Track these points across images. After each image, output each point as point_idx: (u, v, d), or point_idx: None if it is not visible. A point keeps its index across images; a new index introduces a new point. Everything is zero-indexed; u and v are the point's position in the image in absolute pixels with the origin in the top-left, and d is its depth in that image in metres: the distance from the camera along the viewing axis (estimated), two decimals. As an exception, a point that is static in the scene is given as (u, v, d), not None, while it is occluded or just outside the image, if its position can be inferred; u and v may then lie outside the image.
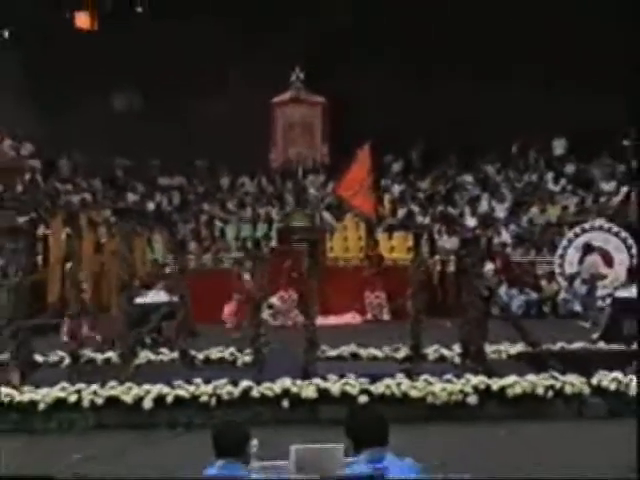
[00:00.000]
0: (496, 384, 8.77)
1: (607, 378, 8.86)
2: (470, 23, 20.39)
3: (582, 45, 19.25)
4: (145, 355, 10.96)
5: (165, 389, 8.72)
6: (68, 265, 11.27)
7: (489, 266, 15.95)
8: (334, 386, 8.70)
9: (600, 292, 15.62)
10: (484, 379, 8.85)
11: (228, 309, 14.83)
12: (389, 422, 4.29)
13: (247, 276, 14.03)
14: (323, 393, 8.64)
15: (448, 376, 8.97)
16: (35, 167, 22.30)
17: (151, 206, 21.48)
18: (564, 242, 17.34)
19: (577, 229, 17.46)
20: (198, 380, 8.89)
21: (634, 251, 16.63)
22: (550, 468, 6.24)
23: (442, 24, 20.59)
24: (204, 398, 8.62)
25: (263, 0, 20.97)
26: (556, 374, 8.98)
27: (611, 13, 19.17)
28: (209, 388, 8.71)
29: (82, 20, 23.40)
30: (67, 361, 10.57)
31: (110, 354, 10.61)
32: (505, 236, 18.91)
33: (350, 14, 21.18)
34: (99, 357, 10.83)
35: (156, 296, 12.74)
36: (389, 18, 20.65)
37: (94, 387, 8.75)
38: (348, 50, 21.00)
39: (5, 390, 8.75)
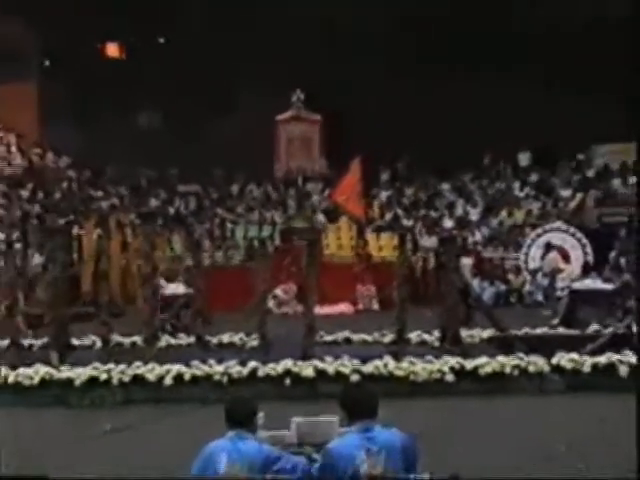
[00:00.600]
0: (470, 364, 8.78)
1: (565, 358, 8.87)
2: (470, 24, 19.50)
3: (580, 46, 18.19)
4: (166, 339, 10.98)
5: (183, 369, 8.74)
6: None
7: (464, 262, 15.93)
8: (330, 366, 8.72)
9: (559, 284, 15.62)
10: (460, 360, 8.86)
11: None
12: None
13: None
14: (320, 372, 8.66)
15: (428, 357, 8.99)
16: (72, 177, 22.32)
17: (171, 210, 21.44)
18: (528, 241, 17.32)
19: (539, 230, 17.43)
20: (212, 361, 8.91)
21: (588, 249, 16.66)
22: (549, 467, 6.19)
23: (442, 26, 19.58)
24: (217, 377, 8.64)
25: (268, 31, 20.89)
26: (521, 355, 8.99)
27: (611, 13, 18.02)
28: (221, 368, 8.73)
29: (112, 50, 23.68)
30: (99, 344, 10.60)
31: (136, 338, 10.62)
32: (478, 236, 18.87)
33: (350, 21, 20.73)
34: (127, 341, 10.83)
35: (176, 288, 12.74)
36: (388, 23, 20.15)
37: (122, 367, 8.77)
38: (347, 63, 20.60)
39: (46, 369, 8.78)
